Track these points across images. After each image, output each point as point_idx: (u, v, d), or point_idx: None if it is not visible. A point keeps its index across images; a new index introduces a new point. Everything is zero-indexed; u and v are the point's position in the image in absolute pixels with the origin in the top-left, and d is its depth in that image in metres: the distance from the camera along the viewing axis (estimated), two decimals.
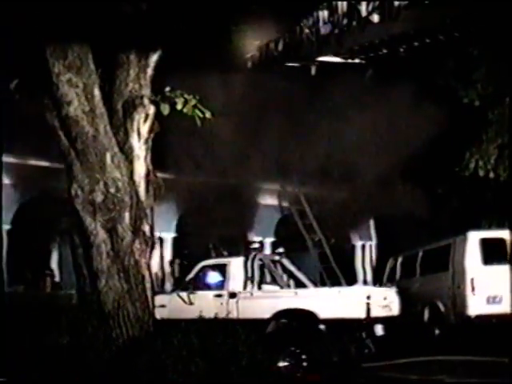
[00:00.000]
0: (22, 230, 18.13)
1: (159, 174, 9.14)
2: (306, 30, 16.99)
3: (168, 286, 15.98)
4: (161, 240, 17.83)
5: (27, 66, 8.75)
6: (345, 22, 16.50)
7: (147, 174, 8.78)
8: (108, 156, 8.39)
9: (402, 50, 16.31)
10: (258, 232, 19.09)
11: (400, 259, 15.55)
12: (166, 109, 8.73)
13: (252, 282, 12.32)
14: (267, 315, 11.45)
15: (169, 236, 18.70)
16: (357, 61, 16.86)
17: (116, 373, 7.89)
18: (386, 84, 15.71)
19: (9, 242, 18.65)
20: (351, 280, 18.51)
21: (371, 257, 21.81)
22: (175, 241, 18.89)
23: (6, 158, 17.93)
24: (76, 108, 8.40)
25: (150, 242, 8.63)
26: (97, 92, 8.55)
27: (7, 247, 18.61)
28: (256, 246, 13.61)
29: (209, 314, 9.32)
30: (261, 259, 12.72)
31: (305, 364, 9.92)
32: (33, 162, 18.10)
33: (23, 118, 15.84)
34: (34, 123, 11.80)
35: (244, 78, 15.87)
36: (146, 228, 8.56)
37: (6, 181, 18.33)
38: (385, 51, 16.39)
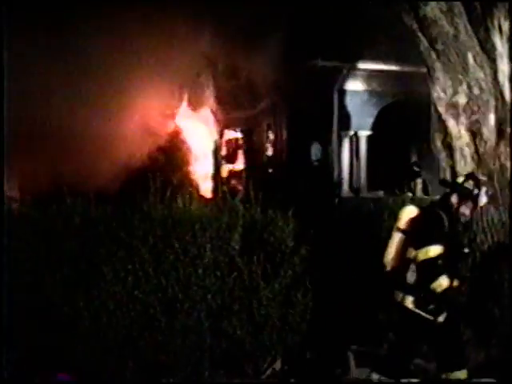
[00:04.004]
0: (383, 134, 18.51)
1: None
2: None
3: None
4: None
5: None
6: None
7: None
8: (470, 56, 8.08)
9: None
10: None
11: None
12: None
13: None
14: None
15: None
16: None
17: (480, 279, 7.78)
18: None
19: (369, 147, 19.24)
20: None
21: None
22: None
23: (365, 65, 18.39)
24: (433, 8, 8.16)
25: None
26: None
27: (367, 153, 19.26)
28: None
29: None
30: None
31: None
32: (392, 68, 18.23)
33: (379, 24, 15.96)
34: (391, 27, 11.79)
35: None
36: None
37: (365, 87, 18.86)
38: None
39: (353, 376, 7.47)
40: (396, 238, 6.40)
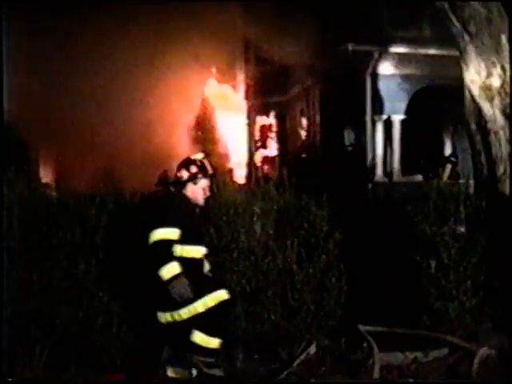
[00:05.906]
0: (416, 118, 18.39)
1: None
2: None
3: None
4: None
5: None
6: None
7: None
8: (503, 37, 7.98)
9: None
10: None
11: None
12: None
13: None
14: None
15: None
16: None
17: None
18: None
19: (402, 131, 19.12)
20: None
21: None
22: None
23: (397, 49, 18.26)
24: None
25: None
26: None
27: (401, 136, 19.15)
28: None
29: None
30: None
31: None
32: (425, 51, 18.09)
33: (411, 7, 15.85)
34: (423, 10, 11.70)
35: None
36: None
37: (397, 71, 18.73)
38: None
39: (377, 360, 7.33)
40: None
